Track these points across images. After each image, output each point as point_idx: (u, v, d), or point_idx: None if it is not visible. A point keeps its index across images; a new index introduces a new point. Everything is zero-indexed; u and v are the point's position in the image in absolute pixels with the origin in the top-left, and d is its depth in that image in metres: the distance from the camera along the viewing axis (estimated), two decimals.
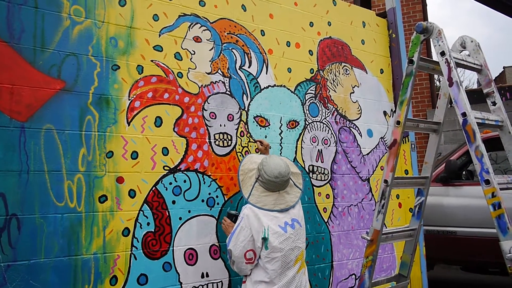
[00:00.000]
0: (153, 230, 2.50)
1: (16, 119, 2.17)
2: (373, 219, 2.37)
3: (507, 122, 2.22)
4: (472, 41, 2.34)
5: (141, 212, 2.47)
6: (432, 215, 4.81)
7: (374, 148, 3.66)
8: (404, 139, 3.81)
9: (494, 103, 2.26)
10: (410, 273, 2.62)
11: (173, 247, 2.55)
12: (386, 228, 3.52)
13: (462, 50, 2.39)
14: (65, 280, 2.22)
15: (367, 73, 3.75)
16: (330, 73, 3.50)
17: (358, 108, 3.62)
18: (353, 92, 3.61)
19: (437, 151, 2.53)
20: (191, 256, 2.61)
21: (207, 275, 2.65)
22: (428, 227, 4.79)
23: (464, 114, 2.01)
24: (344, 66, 3.60)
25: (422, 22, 2.19)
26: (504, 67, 21.90)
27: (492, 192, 1.90)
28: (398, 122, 2.28)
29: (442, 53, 2.12)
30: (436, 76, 12.77)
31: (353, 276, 3.34)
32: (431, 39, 2.18)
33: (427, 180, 2.52)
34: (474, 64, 2.29)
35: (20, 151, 2.16)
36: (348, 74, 3.61)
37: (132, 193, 2.46)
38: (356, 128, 3.57)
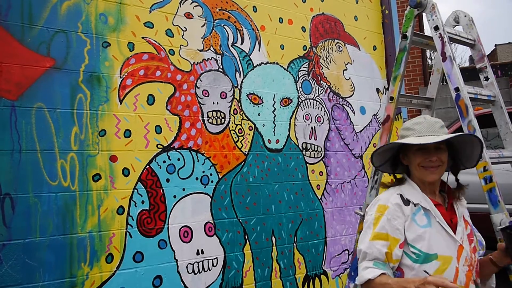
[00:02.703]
0: (147, 208, 2.50)
1: (6, 97, 2.14)
2: (367, 194, 2.39)
3: (499, 97, 2.23)
4: (465, 16, 2.33)
5: (135, 190, 2.47)
6: None
7: (367, 126, 3.67)
8: (396, 116, 3.82)
9: (486, 78, 2.26)
10: None
11: (168, 224, 2.56)
12: None
13: (456, 25, 2.37)
14: (61, 258, 2.23)
15: (360, 50, 3.73)
16: (323, 50, 3.47)
17: (351, 85, 3.61)
18: (346, 69, 3.60)
19: None
20: (186, 234, 2.63)
21: (202, 252, 2.67)
22: None
23: (457, 89, 2.02)
24: (337, 43, 3.57)
25: None
26: (495, 45, 21.93)
27: (484, 166, 1.92)
28: (391, 98, 2.28)
29: (436, 28, 2.11)
30: (428, 54, 12.74)
31: (346, 251, 3.39)
32: (424, 14, 2.17)
33: None
34: (467, 39, 2.28)
35: (12, 130, 2.13)
36: (341, 51, 3.59)
37: (126, 172, 2.45)
38: (349, 106, 3.57)
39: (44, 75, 2.25)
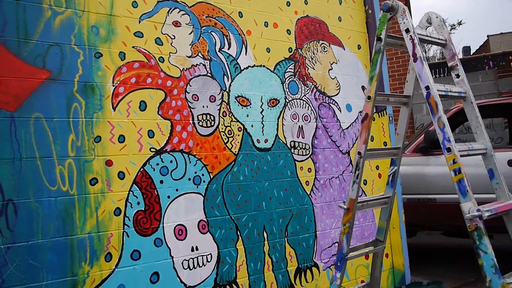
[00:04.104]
0: (143, 209, 2.64)
1: (5, 109, 2.27)
2: (349, 189, 2.53)
3: (470, 93, 2.37)
4: (437, 17, 2.47)
5: (131, 192, 2.61)
6: (413, 184, 5.02)
7: (353, 122, 3.81)
8: (382, 112, 3.97)
9: (458, 76, 2.40)
10: (386, 237, 2.81)
11: (163, 224, 2.70)
12: (366, 196, 3.72)
13: (428, 26, 2.51)
14: (62, 258, 2.37)
15: (344, 49, 3.87)
16: (308, 51, 3.61)
17: (336, 84, 3.75)
18: (331, 69, 3.74)
19: (408, 122, 2.68)
20: (180, 232, 2.77)
21: (197, 249, 2.82)
22: (409, 195, 5.01)
23: (427, 87, 2.15)
24: (322, 43, 3.71)
25: (388, 1, 2.31)
26: (488, 36, 22.09)
27: (453, 159, 2.06)
28: (369, 97, 2.42)
29: (407, 30, 2.24)
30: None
31: (336, 244, 3.53)
32: (397, 17, 2.31)
33: (399, 150, 2.68)
34: (439, 39, 2.42)
35: (12, 139, 2.27)
36: (326, 51, 3.72)
37: (121, 175, 2.59)
38: (335, 104, 3.71)
39: (41, 86, 2.39)
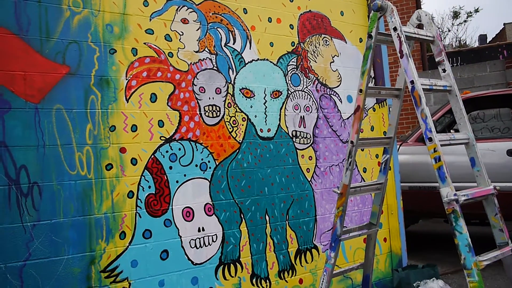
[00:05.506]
0: (154, 192, 2.89)
1: (31, 101, 2.53)
2: (343, 175, 2.74)
3: (455, 87, 2.54)
4: (426, 15, 2.63)
5: (142, 177, 2.86)
6: (415, 172, 5.20)
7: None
8: (382, 103, 4.14)
9: (444, 70, 2.57)
10: (379, 221, 3.01)
11: (172, 206, 2.95)
12: (365, 181, 3.92)
13: (418, 23, 2.68)
14: (81, 236, 2.64)
15: (346, 42, 4.04)
16: (311, 45, 3.79)
17: (338, 76, 3.93)
18: (333, 62, 3.91)
19: (399, 114, 2.86)
20: (188, 214, 3.02)
21: (203, 229, 3.07)
22: (411, 183, 5.19)
23: (412, 82, 2.34)
24: (324, 37, 3.89)
25: (378, 1, 2.48)
26: (504, 24, 21.75)
27: (434, 148, 2.25)
28: (360, 90, 2.61)
29: (395, 29, 2.42)
30: None
31: None
32: (386, 16, 2.48)
33: (391, 140, 2.87)
34: (427, 36, 2.59)
35: (36, 128, 2.53)
36: (328, 44, 3.90)
37: (134, 161, 2.84)
38: (336, 95, 3.90)
39: (61, 80, 2.64)
